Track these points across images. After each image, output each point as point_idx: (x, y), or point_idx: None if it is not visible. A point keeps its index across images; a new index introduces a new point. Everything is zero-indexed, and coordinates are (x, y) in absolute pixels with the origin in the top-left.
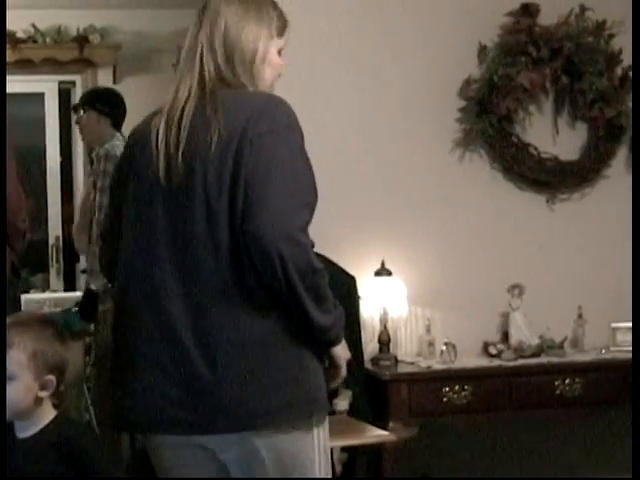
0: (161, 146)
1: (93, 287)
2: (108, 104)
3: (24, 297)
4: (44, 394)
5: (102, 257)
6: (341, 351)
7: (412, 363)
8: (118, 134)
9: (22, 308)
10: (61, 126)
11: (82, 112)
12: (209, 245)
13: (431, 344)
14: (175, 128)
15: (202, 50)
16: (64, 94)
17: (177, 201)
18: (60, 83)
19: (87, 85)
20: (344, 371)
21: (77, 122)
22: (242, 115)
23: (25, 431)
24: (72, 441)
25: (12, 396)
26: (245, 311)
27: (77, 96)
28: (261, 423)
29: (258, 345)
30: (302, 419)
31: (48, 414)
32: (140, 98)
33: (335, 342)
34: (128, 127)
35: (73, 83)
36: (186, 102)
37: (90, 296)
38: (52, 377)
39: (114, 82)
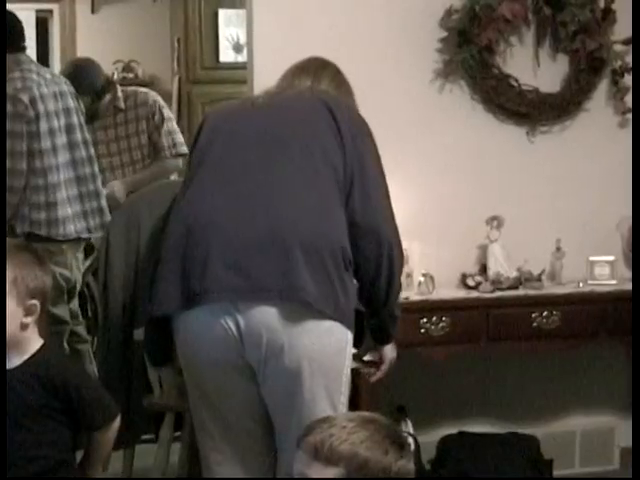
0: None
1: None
2: None
3: None
4: (29, 319)
5: None
6: (390, 350)
7: None
8: (18, 56)
9: None
10: (38, 55)
11: None
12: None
13: (409, 275)
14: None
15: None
16: (42, 23)
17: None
18: (37, 12)
19: (65, 14)
20: (387, 370)
21: None
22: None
23: (10, 362)
24: (57, 373)
25: None
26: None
27: (55, 25)
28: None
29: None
30: (347, 326)
31: (34, 343)
32: (118, 27)
33: (390, 338)
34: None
35: (50, 12)
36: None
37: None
38: (35, 302)
39: (92, 11)
